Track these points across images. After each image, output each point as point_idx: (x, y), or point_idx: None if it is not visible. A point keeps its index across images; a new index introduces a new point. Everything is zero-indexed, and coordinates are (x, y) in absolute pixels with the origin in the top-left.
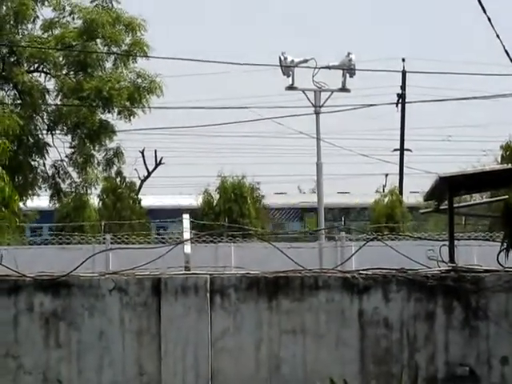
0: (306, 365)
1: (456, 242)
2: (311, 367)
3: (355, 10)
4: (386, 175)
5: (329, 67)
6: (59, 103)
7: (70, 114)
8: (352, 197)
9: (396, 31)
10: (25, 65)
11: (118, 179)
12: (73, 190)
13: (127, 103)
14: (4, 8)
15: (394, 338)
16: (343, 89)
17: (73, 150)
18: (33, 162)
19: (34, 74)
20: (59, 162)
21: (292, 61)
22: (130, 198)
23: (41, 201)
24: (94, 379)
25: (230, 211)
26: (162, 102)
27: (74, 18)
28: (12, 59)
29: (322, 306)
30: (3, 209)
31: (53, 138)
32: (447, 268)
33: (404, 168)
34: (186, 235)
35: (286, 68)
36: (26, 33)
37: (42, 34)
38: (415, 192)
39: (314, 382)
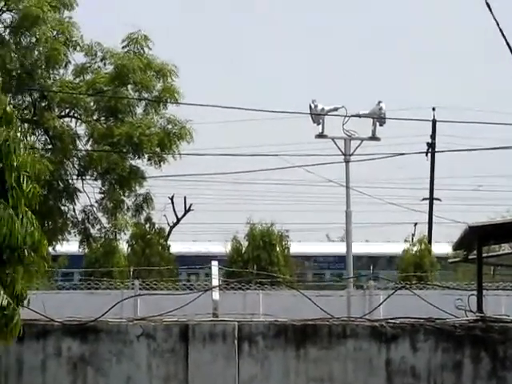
0: None
1: (484, 291)
2: None
3: (386, 58)
4: (415, 224)
5: (359, 115)
6: (90, 149)
7: (101, 160)
8: (381, 246)
9: (426, 80)
10: (56, 110)
11: (148, 225)
12: (102, 235)
13: (157, 149)
14: (36, 53)
15: None
16: (373, 137)
17: (102, 196)
18: (63, 207)
19: (65, 119)
20: (89, 208)
21: (322, 109)
22: (159, 244)
23: (70, 246)
24: None
25: (259, 259)
26: (192, 149)
27: (105, 64)
28: (43, 104)
29: (349, 355)
30: (32, 253)
31: (83, 184)
32: (475, 318)
33: (433, 217)
34: (215, 282)
35: (316, 116)
36: (57, 78)
37: (74, 79)
38: (438, 242)
39: None
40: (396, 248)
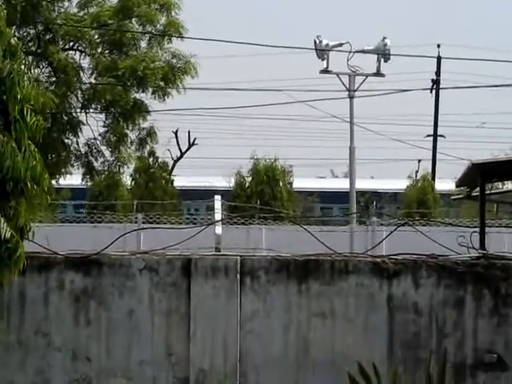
0: (335, 348)
1: (487, 229)
2: (339, 351)
3: None
4: (419, 161)
5: (364, 51)
6: (94, 82)
7: (105, 93)
8: (384, 182)
9: (432, 17)
10: (60, 43)
11: (151, 159)
12: (105, 168)
13: (161, 83)
14: None
15: (423, 324)
16: (378, 73)
17: (106, 129)
18: (66, 140)
19: (70, 52)
20: (92, 141)
21: (327, 44)
22: (163, 178)
23: (74, 179)
24: (122, 358)
25: (262, 193)
26: (196, 83)
27: None
28: (47, 37)
29: (351, 290)
30: (35, 186)
31: (86, 117)
32: (477, 255)
33: (437, 154)
34: (218, 216)
35: (321, 51)
36: (61, 11)
37: (78, 12)
38: (441, 179)
39: (342, 365)
40: (400, 184)
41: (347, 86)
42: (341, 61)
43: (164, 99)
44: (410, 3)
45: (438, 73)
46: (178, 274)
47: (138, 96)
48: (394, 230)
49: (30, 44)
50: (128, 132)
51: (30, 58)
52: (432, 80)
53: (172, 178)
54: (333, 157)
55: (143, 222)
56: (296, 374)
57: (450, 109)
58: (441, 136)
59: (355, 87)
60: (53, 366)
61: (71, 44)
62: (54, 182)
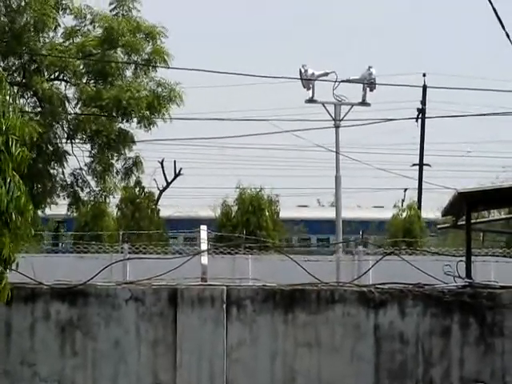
0: (321, 378)
1: (473, 257)
2: (326, 380)
3: (377, 24)
4: (405, 190)
5: (349, 81)
6: (79, 112)
7: (90, 123)
8: (371, 211)
9: (417, 45)
10: (45, 73)
11: (137, 189)
12: (91, 198)
13: (146, 112)
14: (25, 16)
15: (410, 353)
16: (363, 103)
17: (92, 159)
18: (52, 170)
19: (55, 82)
20: (78, 171)
21: (312, 74)
22: (149, 208)
23: (60, 209)
24: None
25: (248, 223)
26: (181, 113)
27: (94, 27)
28: (33, 67)
29: (337, 320)
30: (19, 218)
31: (72, 147)
32: (464, 284)
33: (423, 183)
34: (204, 246)
35: (307, 81)
36: (46, 41)
37: (63, 42)
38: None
39: None
40: (386, 213)
41: (333, 115)
42: (326, 90)
43: (149, 128)
44: (395, 33)
45: (423, 102)
46: (164, 303)
47: (122, 126)
48: (380, 259)
49: (15, 74)
50: (113, 162)
51: (15, 88)
52: (418, 109)
53: (158, 208)
54: (319, 186)
55: (129, 252)
56: None
57: (435, 137)
58: (426, 165)
59: (341, 116)
60: None
61: (56, 74)
62: (40, 212)
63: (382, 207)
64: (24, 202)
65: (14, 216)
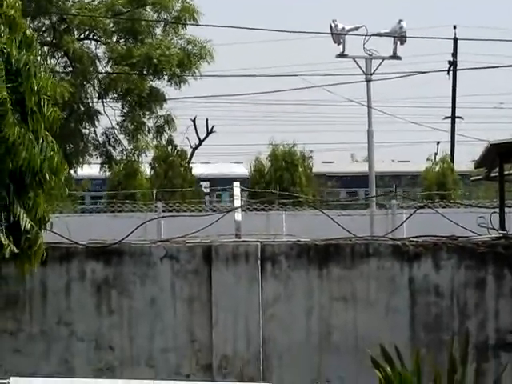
0: (357, 332)
1: (507, 209)
2: (362, 334)
3: None
4: (438, 143)
5: (380, 34)
6: (109, 70)
7: (120, 81)
8: (404, 164)
9: None
10: (75, 32)
11: (170, 147)
12: (124, 157)
13: (177, 70)
14: None
15: (445, 306)
16: (394, 56)
17: (123, 118)
18: (84, 130)
19: (85, 42)
20: (110, 130)
21: (343, 28)
22: (182, 167)
23: (93, 169)
24: (145, 346)
25: (281, 179)
26: (213, 70)
27: None
28: (63, 27)
29: (372, 274)
30: (53, 177)
31: (103, 106)
32: (498, 235)
33: (455, 136)
34: (237, 203)
35: (337, 36)
36: (76, 0)
37: (92, 1)
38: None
39: (365, 348)
40: (419, 167)
41: (364, 69)
42: (357, 45)
43: (180, 86)
44: None
45: (454, 54)
46: (198, 261)
47: (154, 84)
48: (414, 212)
49: (45, 34)
50: (145, 120)
51: (46, 48)
52: (449, 62)
53: (191, 166)
54: (352, 141)
55: (163, 211)
56: (319, 359)
57: (467, 90)
58: (459, 117)
59: (372, 71)
60: (76, 355)
61: (86, 33)
62: (72, 172)
63: (408, 161)
64: (57, 162)
65: (47, 176)
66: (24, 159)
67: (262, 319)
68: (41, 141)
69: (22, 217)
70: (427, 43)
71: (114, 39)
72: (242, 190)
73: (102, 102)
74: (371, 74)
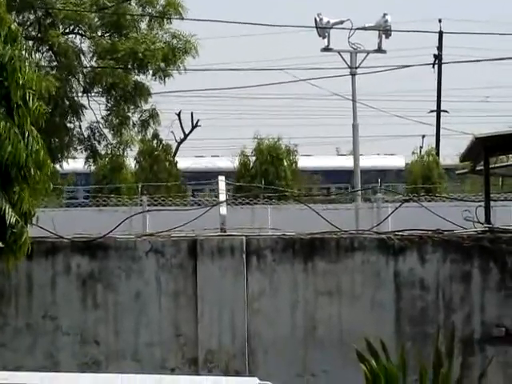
0: (342, 326)
1: (492, 202)
2: (347, 328)
3: None
4: (423, 136)
5: (365, 28)
6: (94, 65)
7: (105, 76)
8: (389, 158)
9: None
10: (60, 27)
11: (155, 142)
12: (109, 151)
13: (162, 64)
14: None
15: (430, 299)
16: (379, 50)
17: (108, 112)
18: (69, 124)
19: (70, 36)
20: (95, 124)
21: (328, 22)
22: (167, 161)
23: (77, 163)
24: (130, 340)
25: (266, 173)
26: (197, 64)
27: None
28: (47, 21)
29: (357, 268)
30: (38, 172)
31: (88, 100)
32: (483, 229)
33: (441, 129)
34: (222, 197)
35: (322, 29)
36: None
37: None
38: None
39: (350, 342)
40: (404, 160)
41: (349, 63)
42: (342, 38)
43: (165, 81)
44: None
45: (439, 48)
46: (184, 255)
47: (138, 78)
48: (399, 206)
49: (30, 29)
50: (130, 115)
51: (31, 42)
52: (434, 55)
53: (176, 160)
54: (337, 135)
55: (148, 205)
56: (304, 353)
57: (453, 84)
58: (444, 111)
59: (357, 64)
60: (62, 349)
61: (71, 28)
62: (57, 166)
63: (394, 155)
64: (43, 156)
65: (32, 170)
66: (9, 153)
67: (247, 313)
68: (26, 135)
69: (7, 211)
70: (412, 37)
71: (99, 33)
72: (227, 184)
73: (87, 97)
74: (356, 68)
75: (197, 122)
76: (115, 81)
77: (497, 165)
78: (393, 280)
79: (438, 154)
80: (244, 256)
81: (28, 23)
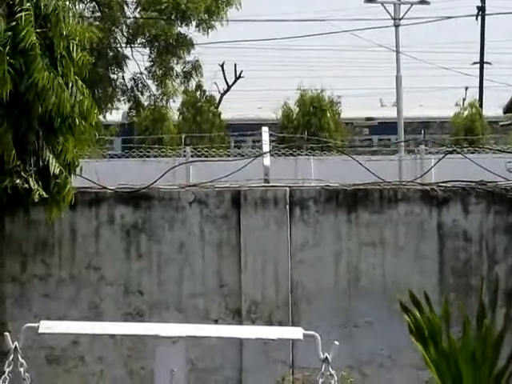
0: (385, 277)
1: None
2: (390, 279)
3: None
4: (466, 88)
5: None
6: (137, 16)
7: (148, 27)
8: (432, 109)
9: None
10: None
11: (198, 93)
12: (152, 102)
13: (205, 16)
14: None
15: (474, 251)
16: (423, 1)
17: (151, 63)
18: (112, 75)
19: None
20: (138, 75)
21: None
22: (210, 112)
23: (119, 115)
24: (174, 290)
25: (309, 124)
26: (240, 15)
27: None
28: None
29: (401, 219)
30: (82, 122)
31: (132, 51)
32: None
33: (484, 81)
34: (265, 148)
35: None
36: None
37: None
38: (489, 106)
39: (393, 293)
40: (447, 112)
41: (392, 14)
42: None
43: (208, 32)
44: None
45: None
46: (227, 205)
47: (181, 30)
48: (442, 157)
49: None
50: (173, 66)
51: None
52: (477, 7)
53: (219, 111)
54: (381, 86)
55: (192, 156)
56: (347, 303)
57: (496, 36)
58: (487, 63)
59: (400, 16)
60: (105, 299)
61: None
62: (101, 117)
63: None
64: (87, 106)
65: (77, 120)
66: (54, 104)
67: (290, 264)
68: (70, 85)
69: (51, 162)
70: None
71: None
72: (270, 135)
73: (131, 48)
74: (400, 19)
75: (240, 73)
76: (158, 32)
77: None
78: (436, 231)
79: (481, 105)
80: (287, 207)
81: None
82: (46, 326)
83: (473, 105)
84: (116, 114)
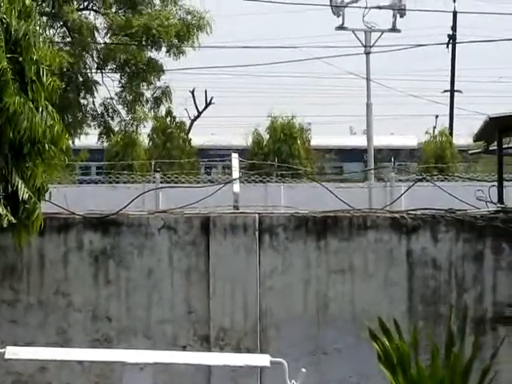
0: (354, 304)
1: (505, 182)
2: (359, 306)
3: None
4: (437, 116)
5: (379, 7)
6: (108, 41)
7: (119, 52)
8: (402, 137)
9: None
10: (74, 2)
11: (168, 119)
12: (122, 127)
13: (176, 40)
14: None
15: (443, 279)
16: (393, 29)
17: (122, 88)
18: (82, 100)
19: (84, 12)
20: (108, 100)
21: (342, 1)
22: (180, 138)
23: (88, 140)
24: (142, 317)
25: (280, 151)
26: (211, 42)
27: None
28: None
29: (370, 246)
30: (52, 147)
31: (102, 76)
32: (496, 209)
33: (454, 109)
34: (235, 174)
35: (337, 8)
36: None
37: None
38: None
39: (363, 321)
40: (417, 140)
41: (363, 42)
42: (356, 17)
43: (178, 57)
44: None
45: (454, 27)
46: (196, 232)
47: (152, 55)
48: (412, 185)
49: (44, 5)
50: (143, 91)
51: (45, 18)
52: (448, 35)
53: (189, 137)
54: (351, 113)
55: (161, 182)
56: (316, 330)
57: (467, 64)
58: (458, 91)
59: (371, 43)
60: (73, 325)
61: (85, 4)
62: (70, 142)
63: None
64: (58, 131)
65: (47, 145)
66: (25, 129)
67: (259, 291)
68: (41, 110)
69: (20, 187)
70: (427, 16)
71: (113, 10)
72: (240, 162)
73: (101, 73)
74: (370, 47)
75: (211, 100)
76: (128, 57)
77: (510, 145)
78: (405, 259)
79: (451, 133)
80: (257, 234)
81: None
82: (13, 352)
83: (443, 133)
84: (93, 138)
